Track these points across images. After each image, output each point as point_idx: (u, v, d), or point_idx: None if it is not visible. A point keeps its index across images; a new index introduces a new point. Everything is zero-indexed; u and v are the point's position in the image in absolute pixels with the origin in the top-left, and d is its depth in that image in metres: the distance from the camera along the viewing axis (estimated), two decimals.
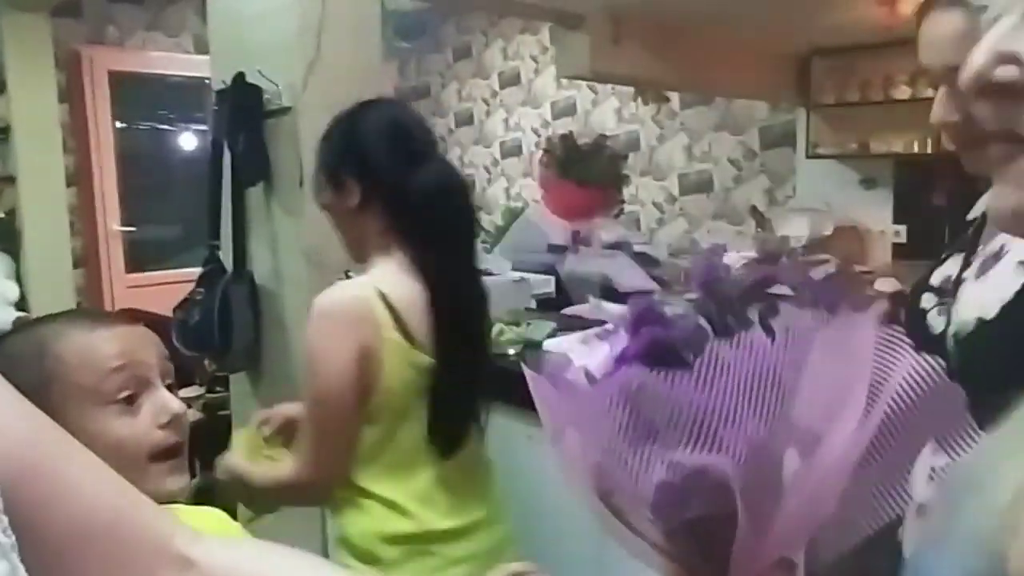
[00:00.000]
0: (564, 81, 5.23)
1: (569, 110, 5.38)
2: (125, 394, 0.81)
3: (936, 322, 0.88)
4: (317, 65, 2.26)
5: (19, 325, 0.92)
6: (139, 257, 5.01)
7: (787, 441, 0.52)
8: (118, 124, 5.00)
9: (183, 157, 5.44)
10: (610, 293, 3.48)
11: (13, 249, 4.27)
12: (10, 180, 4.30)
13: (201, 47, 4.86)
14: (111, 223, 4.90)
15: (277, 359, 2.43)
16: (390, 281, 1.22)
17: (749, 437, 0.50)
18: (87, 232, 4.90)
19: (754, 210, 4.47)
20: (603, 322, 1.97)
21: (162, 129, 5.41)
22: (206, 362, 2.92)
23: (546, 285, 2.67)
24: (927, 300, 0.92)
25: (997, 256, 0.82)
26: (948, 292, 0.89)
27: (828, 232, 4.07)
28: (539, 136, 5.54)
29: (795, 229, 4.17)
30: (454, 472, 1.27)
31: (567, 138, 3.86)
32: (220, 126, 2.39)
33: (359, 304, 1.20)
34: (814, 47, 4.02)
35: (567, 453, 0.57)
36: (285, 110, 2.29)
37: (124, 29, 5.06)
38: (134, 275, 4.94)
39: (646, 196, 5.03)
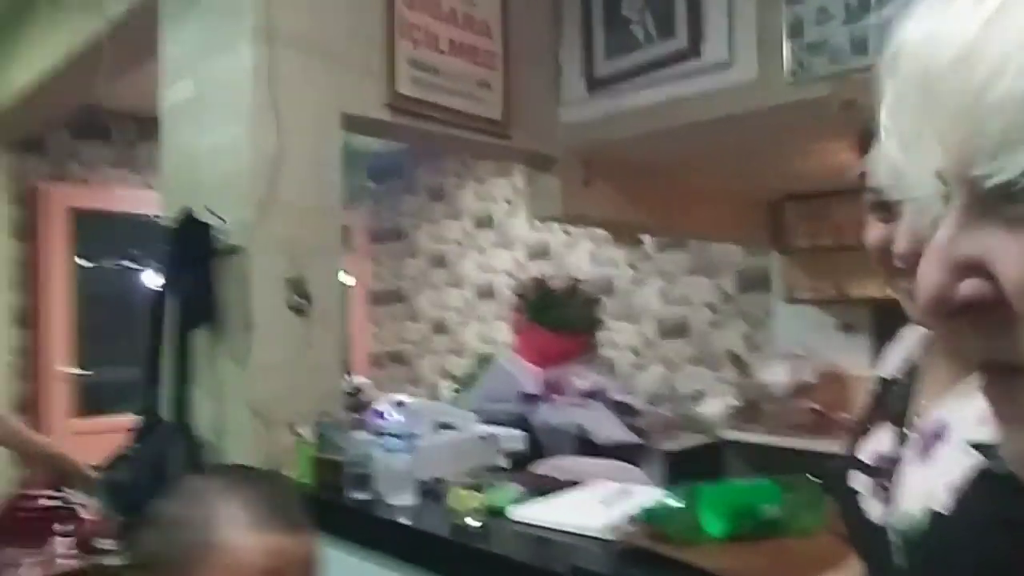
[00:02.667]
0: (538, 223, 5.21)
1: (543, 252, 5.33)
2: None
3: (872, 508, 0.78)
4: (272, 204, 2.16)
5: (187, 480, 0.95)
6: (95, 400, 4.76)
7: None
8: (85, 263, 4.91)
9: (148, 297, 5.32)
10: (586, 446, 3.26)
11: None
12: None
13: None
14: (59, 365, 4.67)
15: None
16: None
17: None
18: (34, 375, 4.68)
19: (734, 357, 4.35)
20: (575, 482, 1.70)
21: (128, 268, 5.24)
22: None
23: (516, 442, 2.41)
24: (857, 480, 0.83)
25: (938, 435, 0.74)
26: (883, 472, 0.79)
27: (810, 378, 3.94)
28: (513, 278, 5.46)
29: (776, 375, 4.04)
30: None
31: (539, 282, 3.74)
32: (165, 264, 2.29)
33: None
34: (787, 192, 4.02)
35: None
36: (235, 249, 2.17)
37: (89, 166, 5.04)
38: (81, 420, 4.64)
39: (622, 340, 4.89)
